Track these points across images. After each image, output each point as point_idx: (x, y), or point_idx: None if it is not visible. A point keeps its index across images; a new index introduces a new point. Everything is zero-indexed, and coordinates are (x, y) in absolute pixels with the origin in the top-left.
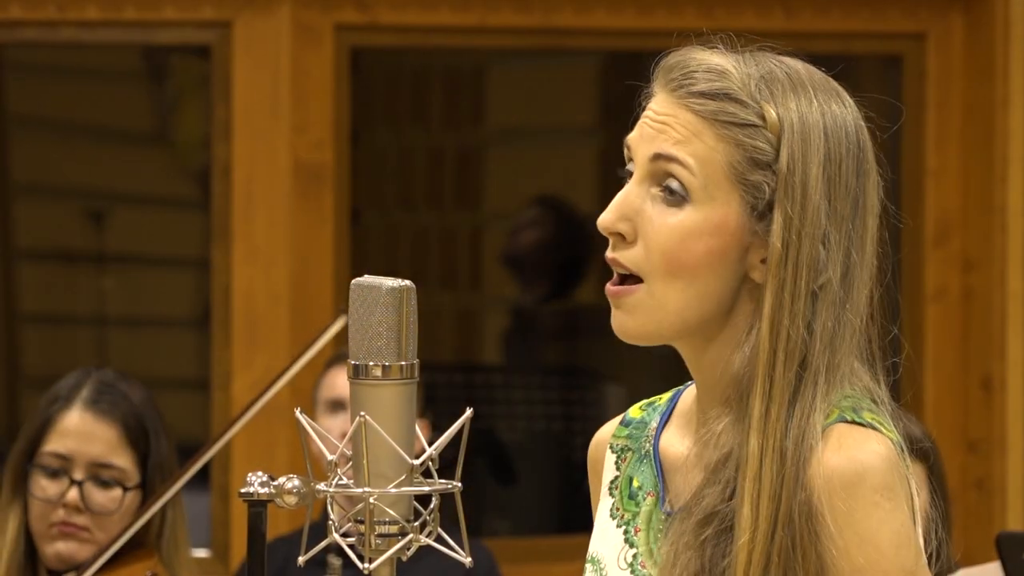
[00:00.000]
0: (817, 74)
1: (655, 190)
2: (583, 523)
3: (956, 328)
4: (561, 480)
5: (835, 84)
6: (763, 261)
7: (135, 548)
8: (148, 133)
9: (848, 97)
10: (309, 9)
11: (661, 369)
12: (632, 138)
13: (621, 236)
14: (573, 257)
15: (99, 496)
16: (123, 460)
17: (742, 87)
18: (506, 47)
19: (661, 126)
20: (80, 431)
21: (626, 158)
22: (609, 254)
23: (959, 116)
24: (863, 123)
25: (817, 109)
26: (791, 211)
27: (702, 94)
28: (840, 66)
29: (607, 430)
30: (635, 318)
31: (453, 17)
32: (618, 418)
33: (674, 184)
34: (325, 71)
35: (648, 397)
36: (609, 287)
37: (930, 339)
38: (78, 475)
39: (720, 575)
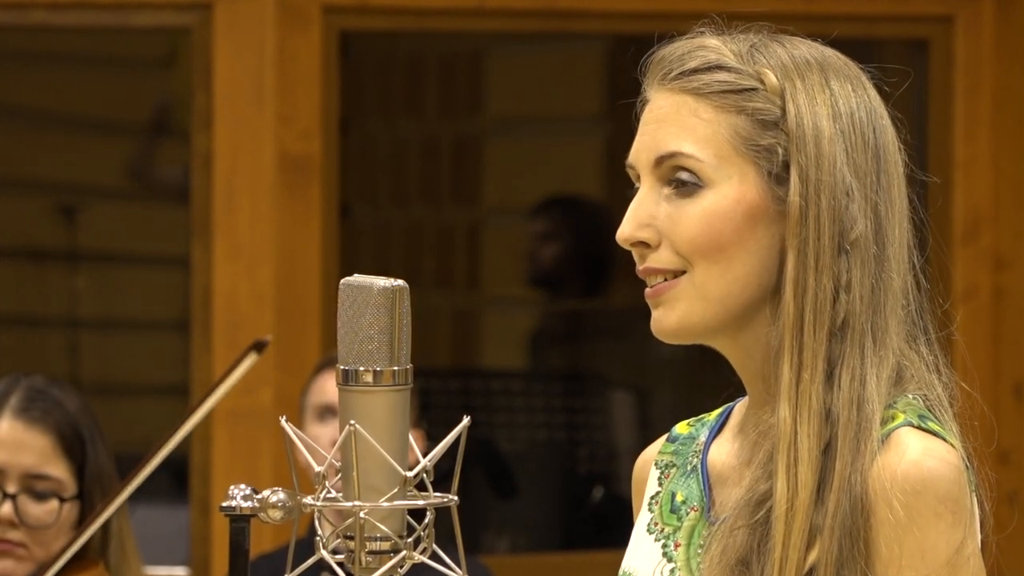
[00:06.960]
0: (822, 47)
1: (667, 190)
2: (587, 539)
3: (986, 330)
4: (564, 493)
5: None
6: None
7: (78, 560)
8: (124, 123)
9: (853, 66)
10: None
11: (670, 373)
12: (632, 154)
13: (645, 244)
14: (598, 255)
15: (34, 509)
16: (58, 470)
17: (734, 56)
18: (506, 31)
19: (656, 126)
20: (11, 441)
21: (633, 179)
22: (640, 266)
23: (989, 104)
24: (870, 84)
25: (816, 66)
26: (805, 164)
27: (694, 71)
28: (863, 51)
29: (653, 448)
30: (676, 311)
31: None
32: (664, 436)
33: (684, 175)
34: (312, 56)
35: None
36: (648, 290)
37: (959, 342)
38: (11, 488)
39: (767, 554)
